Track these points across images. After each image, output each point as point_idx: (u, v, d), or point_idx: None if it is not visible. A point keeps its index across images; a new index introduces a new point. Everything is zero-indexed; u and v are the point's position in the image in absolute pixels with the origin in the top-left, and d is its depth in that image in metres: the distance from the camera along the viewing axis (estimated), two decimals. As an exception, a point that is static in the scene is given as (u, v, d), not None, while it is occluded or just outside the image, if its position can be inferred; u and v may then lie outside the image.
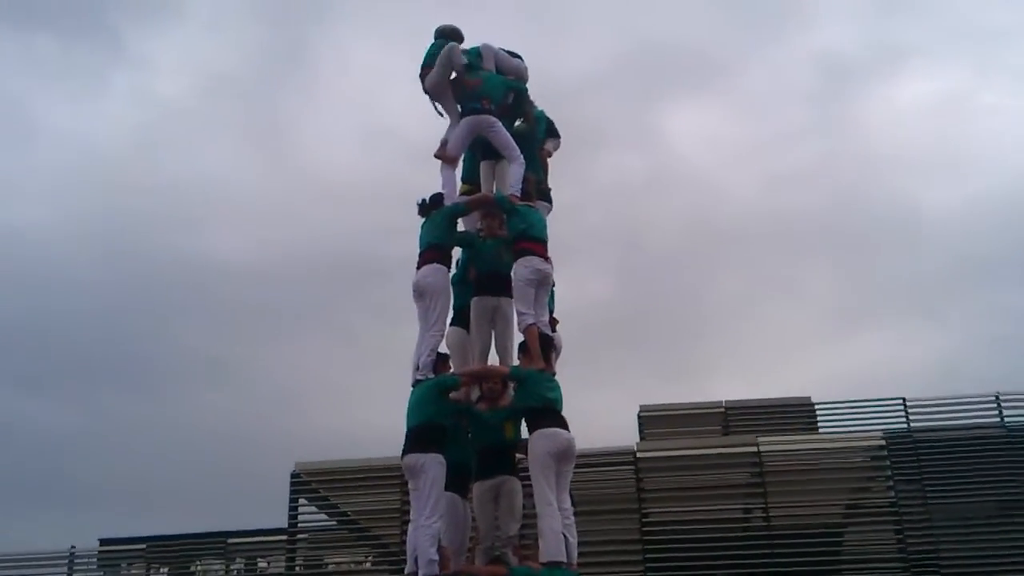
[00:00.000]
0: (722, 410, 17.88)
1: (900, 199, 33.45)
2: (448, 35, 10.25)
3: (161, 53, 39.74)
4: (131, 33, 39.15)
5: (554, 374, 8.46)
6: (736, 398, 18.06)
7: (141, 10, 39.66)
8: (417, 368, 8.55)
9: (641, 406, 17.98)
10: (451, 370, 8.76)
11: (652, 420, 17.84)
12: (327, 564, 18.16)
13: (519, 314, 8.60)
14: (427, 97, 10.10)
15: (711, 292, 34.56)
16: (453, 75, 9.92)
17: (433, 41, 10.22)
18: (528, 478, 8.11)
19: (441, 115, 10.09)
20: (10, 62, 38.28)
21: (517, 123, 10.15)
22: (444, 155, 9.67)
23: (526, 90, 10.28)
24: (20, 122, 37.87)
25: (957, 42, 39.00)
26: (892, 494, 16.10)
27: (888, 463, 16.10)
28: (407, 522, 14.61)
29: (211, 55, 39.67)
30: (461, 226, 9.57)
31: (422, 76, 10.03)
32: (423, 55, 10.12)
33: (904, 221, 32.62)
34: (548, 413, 8.07)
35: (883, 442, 16.16)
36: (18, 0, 37.98)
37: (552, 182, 10.31)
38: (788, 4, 37.98)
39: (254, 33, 38.93)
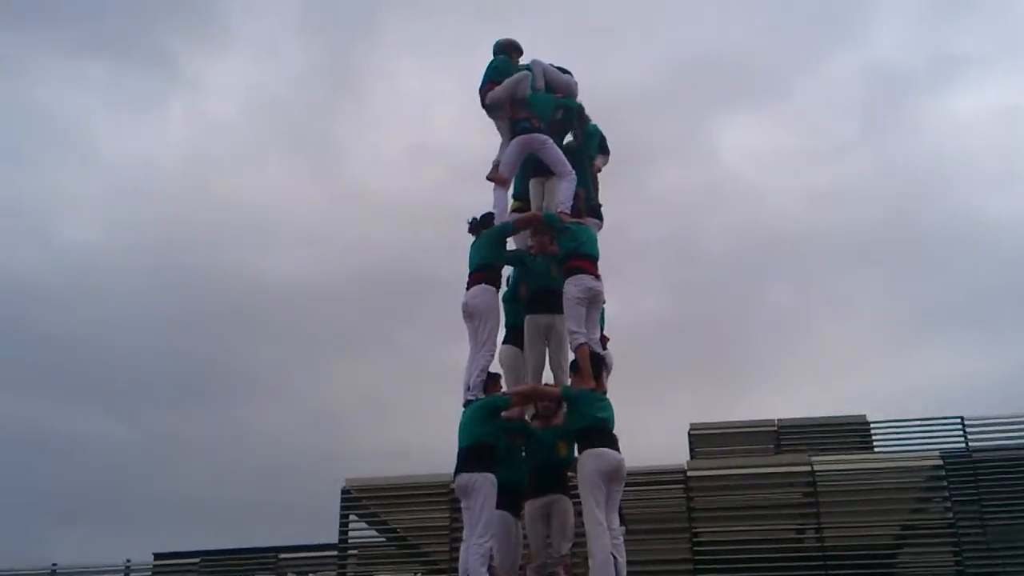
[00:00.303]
0: (774, 428, 17.65)
1: (958, 211, 32.91)
2: (508, 49, 10.32)
3: (215, 76, 40.41)
4: (186, 57, 39.82)
5: (605, 393, 8.43)
6: (789, 416, 17.84)
7: (195, 34, 40.35)
8: (468, 388, 8.59)
9: (691, 424, 17.82)
10: (502, 389, 8.77)
11: (703, 438, 17.68)
12: (377, 580, 18.20)
13: (570, 333, 8.56)
14: (484, 111, 10.14)
15: (764, 307, 34.20)
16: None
17: (493, 56, 10.29)
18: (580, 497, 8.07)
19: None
20: (68, 86, 39.06)
21: (567, 139, 10.17)
22: (496, 177, 9.70)
23: (576, 106, 10.30)
24: (78, 144, 38.61)
25: (1014, 50, 38.39)
26: (950, 515, 15.74)
27: (946, 484, 15.76)
28: (456, 539, 14.74)
29: (263, 78, 40.28)
30: (511, 244, 9.60)
31: (483, 91, 10.07)
32: (484, 70, 10.19)
33: (962, 234, 32.04)
34: (599, 433, 8.03)
35: (940, 462, 15.82)
36: (74, 26, 38.77)
37: (603, 196, 10.31)
38: (840, 15, 37.66)
39: (304, 56, 39.43)
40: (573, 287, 8.62)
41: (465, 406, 8.48)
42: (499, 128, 10.09)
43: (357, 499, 16.69)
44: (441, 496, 15.73)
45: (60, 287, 34.02)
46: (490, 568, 7.99)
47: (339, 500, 16.52)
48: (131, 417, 34.57)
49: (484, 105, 10.08)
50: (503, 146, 9.97)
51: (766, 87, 37.58)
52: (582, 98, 10.51)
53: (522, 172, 9.93)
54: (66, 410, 32.84)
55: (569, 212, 9.25)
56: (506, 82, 9.89)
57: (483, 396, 8.46)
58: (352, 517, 16.91)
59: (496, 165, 9.78)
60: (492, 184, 9.71)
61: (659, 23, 37.50)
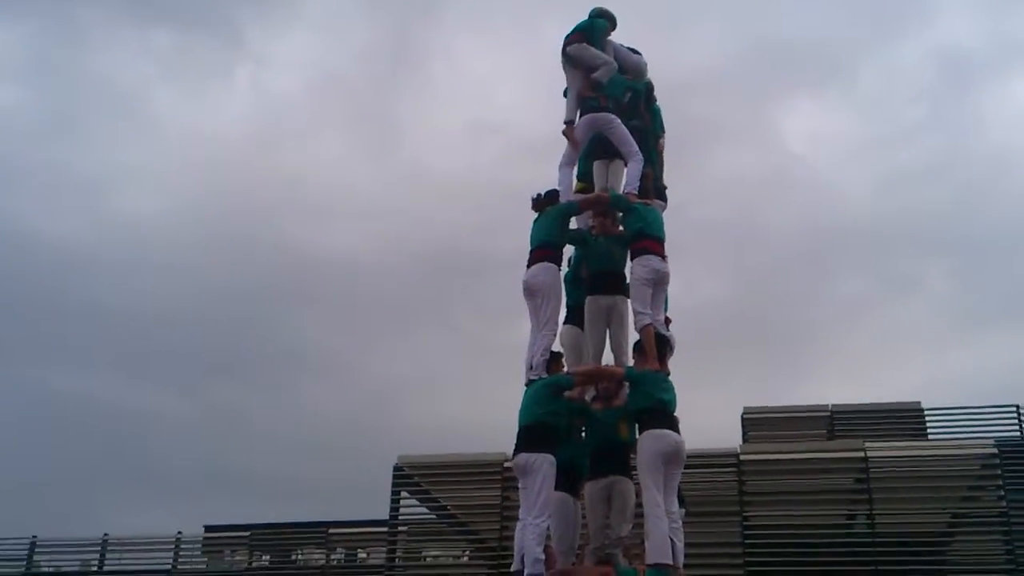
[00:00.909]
0: (828, 414, 17.56)
1: (1021, 201, 32.24)
2: (607, 17, 10.38)
3: (279, 50, 40.67)
4: (251, 30, 40.09)
5: (668, 374, 8.39)
6: (843, 402, 17.73)
7: (261, 8, 40.52)
8: (530, 368, 8.57)
9: (745, 408, 17.78)
10: (564, 369, 8.74)
11: (756, 422, 17.63)
12: (425, 557, 18.31)
13: (636, 313, 8.52)
14: (561, 57, 10.10)
15: (826, 292, 33.88)
16: None
17: (592, 18, 10.27)
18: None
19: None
20: (132, 56, 39.39)
21: (634, 121, 10.13)
22: (570, 133, 9.70)
23: (643, 88, 10.26)
24: (141, 114, 38.95)
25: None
26: (1003, 504, 15.57)
27: (1000, 472, 15.59)
28: (506, 518, 14.79)
29: (326, 53, 40.45)
30: (572, 224, 9.56)
31: (569, 39, 10.04)
32: (579, 23, 10.18)
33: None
34: (659, 414, 8.00)
35: (995, 450, 15.65)
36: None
37: (667, 176, 10.28)
38: (908, 1, 36.92)
39: (366, 31, 39.62)
40: (640, 267, 8.58)
41: (527, 385, 8.47)
42: (568, 78, 10.05)
43: (409, 476, 16.79)
44: (493, 475, 15.81)
45: (114, 258, 34.44)
46: (546, 548, 8.01)
47: (391, 476, 16.61)
48: (188, 390, 35.02)
49: (564, 52, 10.04)
50: (570, 100, 9.94)
51: (832, 71, 37.06)
52: (651, 78, 10.50)
53: (587, 153, 9.89)
54: (122, 382, 33.34)
55: (637, 192, 9.22)
56: (599, 55, 9.90)
57: (546, 375, 8.44)
58: (403, 494, 17.02)
59: (570, 123, 9.77)
60: (554, 163, 9.69)
61: (728, 6, 37.07)
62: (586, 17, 10.31)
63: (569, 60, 10.01)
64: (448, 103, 39.55)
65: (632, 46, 10.56)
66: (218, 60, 40.42)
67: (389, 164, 38.77)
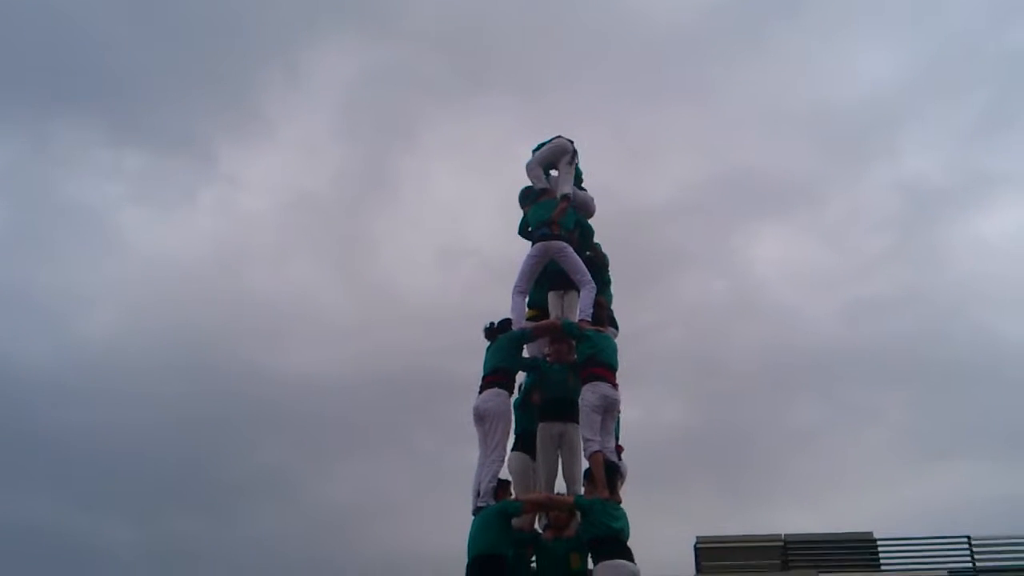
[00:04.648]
0: (782, 543, 17.40)
1: (982, 334, 32.72)
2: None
3: (251, 170, 40.81)
4: (223, 151, 40.24)
5: (620, 502, 8.29)
6: (797, 531, 17.60)
7: (235, 129, 40.86)
8: (478, 495, 8.46)
9: (698, 537, 17.56)
10: (512, 496, 8.60)
11: (709, 552, 17.38)
12: None
13: (585, 440, 8.49)
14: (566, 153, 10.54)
15: (783, 420, 33.84)
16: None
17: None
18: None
19: None
20: (102, 174, 39.23)
21: (587, 252, 10.26)
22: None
23: (591, 229, 10.47)
24: (107, 233, 38.56)
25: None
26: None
27: (953, 603, 15.52)
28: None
29: (298, 174, 40.62)
30: (525, 352, 9.57)
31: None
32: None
33: (984, 357, 31.84)
34: (613, 544, 7.87)
35: (948, 580, 15.61)
36: (116, 117, 39.13)
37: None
38: (875, 132, 38.04)
39: (340, 154, 39.90)
40: (590, 394, 8.57)
41: (475, 513, 8.34)
42: (555, 154, 10.50)
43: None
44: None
45: (74, 382, 33.70)
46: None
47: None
48: (139, 517, 33.89)
49: (570, 152, 10.49)
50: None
51: (800, 200, 37.85)
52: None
53: (540, 283, 9.95)
54: (70, 510, 32.25)
55: (590, 320, 9.28)
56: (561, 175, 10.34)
57: (494, 503, 8.32)
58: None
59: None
60: (511, 290, 9.75)
61: (696, 135, 38.01)
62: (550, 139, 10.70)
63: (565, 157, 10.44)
64: (420, 227, 39.87)
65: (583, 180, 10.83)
66: (190, 181, 40.52)
67: (358, 286, 38.82)
